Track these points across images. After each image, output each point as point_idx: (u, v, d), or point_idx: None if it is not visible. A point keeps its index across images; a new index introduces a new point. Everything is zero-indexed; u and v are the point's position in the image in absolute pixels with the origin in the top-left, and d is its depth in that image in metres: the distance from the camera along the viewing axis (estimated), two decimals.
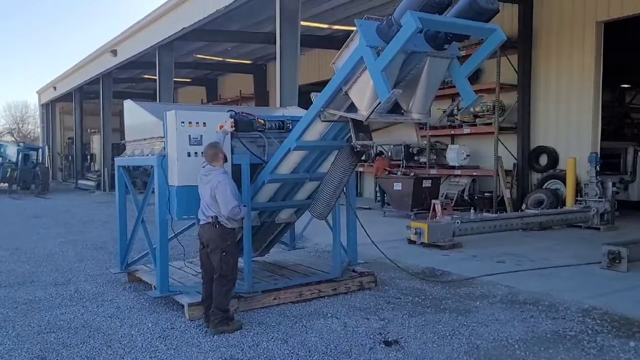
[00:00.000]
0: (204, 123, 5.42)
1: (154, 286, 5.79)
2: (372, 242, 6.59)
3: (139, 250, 7.33)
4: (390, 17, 4.12)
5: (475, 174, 14.73)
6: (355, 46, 4.25)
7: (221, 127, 5.47)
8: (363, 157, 5.89)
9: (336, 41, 17.76)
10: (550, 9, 13.35)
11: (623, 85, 20.67)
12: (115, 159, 6.93)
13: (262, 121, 5.91)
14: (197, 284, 5.49)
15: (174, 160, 5.35)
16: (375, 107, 4.19)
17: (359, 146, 4.76)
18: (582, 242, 9.53)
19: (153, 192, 5.66)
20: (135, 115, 6.39)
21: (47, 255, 8.87)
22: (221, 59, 22.47)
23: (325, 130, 5.15)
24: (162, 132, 5.57)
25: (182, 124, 5.32)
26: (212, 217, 4.95)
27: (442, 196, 14.08)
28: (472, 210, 9.77)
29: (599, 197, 11.14)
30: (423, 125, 15.88)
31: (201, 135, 5.39)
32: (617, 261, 7.12)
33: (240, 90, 24.86)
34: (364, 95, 4.35)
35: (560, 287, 6.36)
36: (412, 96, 4.50)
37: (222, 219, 4.98)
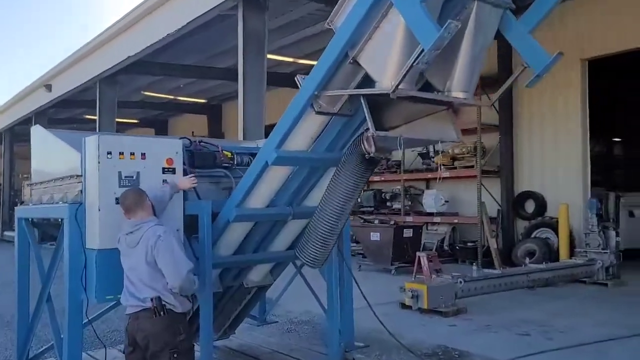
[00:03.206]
0: (143, 154, 3.68)
1: None
2: (377, 317, 4.88)
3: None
4: None
5: (456, 221, 13.40)
6: None
7: (170, 161, 3.73)
8: None
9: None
10: None
11: None
12: (15, 209, 5.01)
13: (228, 154, 4.23)
14: None
15: (94, 210, 3.55)
16: (414, 62, 2.57)
17: (374, 148, 3.11)
18: (600, 303, 8.18)
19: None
20: (45, 146, 4.55)
21: None
22: (172, 97, 20.72)
23: (319, 133, 3.46)
24: (80, 169, 3.78)
25: (109, 155, 3.55)
26: (152, 300, 3.14)
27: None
28: (474, 267, 8.26)
29: (602, 249, 9.93)
30: (397, 168, 14.63)
31: (138, 173, 3.63)
32: None
33: (193, 132, 22.93)
34: (387, 55, 2.82)
35: None
36: (451, 69, 2.99)
37: (168, 299, 3.18)
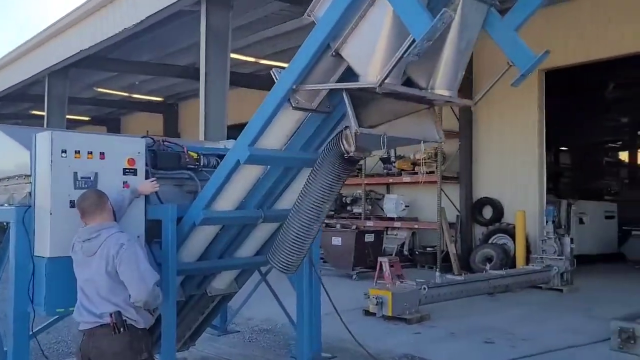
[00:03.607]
0: (102, 154, 3.37)
1: None
2: (346, 327, 4.72)
3: None
4: None
5: (416, 226, 13.45)
6: None
7: (132, 161, 3.44)
8: None
9: (260, 79, 16.18)
10: (491, 56, 12.63)
11: None
12: None
13: (194, 155, 3.96)
14: None
15: (44, 214, 3.22)
16: (404, 53, 2.43)
17: (354, 147, 2.92)
18: (558, 309, 8.33)
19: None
20: None
21: None
22: (127, 94, 19.96)
23: (294, 130, 3.25)
24: (30, 169, 3.44)
25: (63, 154, 3.23)
26: (111, 315, 2.85)
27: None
28: (437, 273, 8.24)
29: (558, 255, 10.15)
30: (358, 172, 14.54)
31: (96, 173, 3.33)
32: (631, 341, 5.80)
33: (147, 131, 22.14)
34: (372, 47, 2.66)
35: None
36: (434, 66, 2.88)
37: (129, 314, 2.90)
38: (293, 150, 3.32)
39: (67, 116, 16.12)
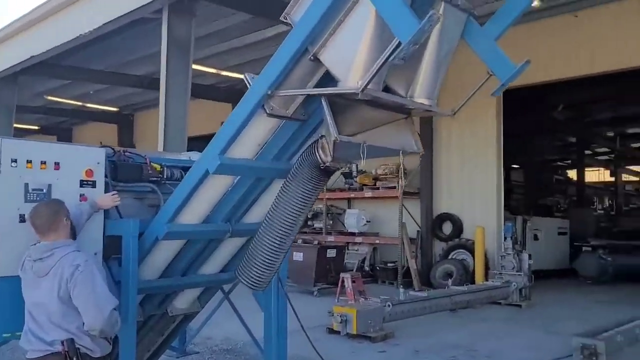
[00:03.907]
0: (57, 164, 3.10)
1: None
2: (315, 349, 4.56)
3: None
4: None
5: (377, 241, 13.43)
6: None
7: (90, 172, 3.19)
8: None
9: (221, 91, 15.93)
10: (451, 73, 12.98)
11: None
12: None
13: (157, 166, 3.73)
14: None
15: None
16: (388, 57, 2.32)
17: (330, 157, 2.79)
18: (518, 324, 8.43)
19: None
20: None
21: None
22: (80, 103, 19.24)
23: (266, 139, 3.08)
24: None
25: (13, 164, 2.95)
26: (63, 343, 2.58)
27: None
28: (401, 289, 8.19)
29: (517, 271, 10.32)
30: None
31: (49, 185, 3.05)
32: (593, 358, 5.85)
33: (101, 142, 21.40)
34: (354, 51, 2.54)
35: None
36: (414, 74, 2.80)
37: (84, 342, 2.65)
38: (265, 160, 3.16)
39: (15, 125, 15.36)
